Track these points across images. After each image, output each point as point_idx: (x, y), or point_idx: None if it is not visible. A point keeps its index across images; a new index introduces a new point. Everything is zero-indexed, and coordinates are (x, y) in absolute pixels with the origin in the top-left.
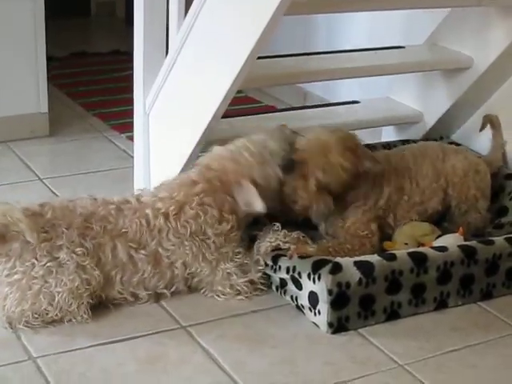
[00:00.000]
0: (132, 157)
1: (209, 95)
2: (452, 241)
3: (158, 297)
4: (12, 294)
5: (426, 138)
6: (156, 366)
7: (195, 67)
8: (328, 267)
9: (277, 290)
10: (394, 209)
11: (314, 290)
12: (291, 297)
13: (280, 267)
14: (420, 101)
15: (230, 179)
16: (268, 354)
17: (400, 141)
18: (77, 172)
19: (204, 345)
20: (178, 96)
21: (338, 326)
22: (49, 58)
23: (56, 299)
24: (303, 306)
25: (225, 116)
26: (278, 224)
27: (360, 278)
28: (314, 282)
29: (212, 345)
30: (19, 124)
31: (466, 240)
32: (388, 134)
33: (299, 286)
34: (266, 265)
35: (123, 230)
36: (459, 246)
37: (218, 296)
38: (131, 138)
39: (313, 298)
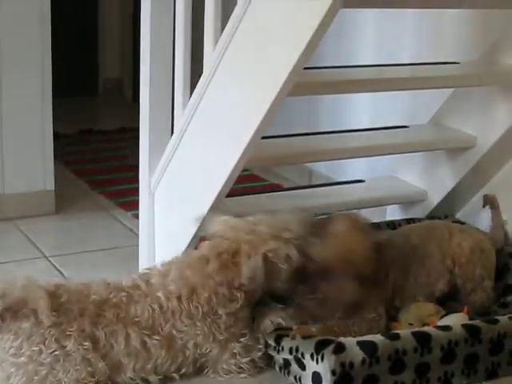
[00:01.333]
0: (138, 235)
1: (214, 174)
2: (457, 320)
3: (167, 381)
4: (18, 377)
5: (431, 216)
6: None
7: (200, 146)
8: (331, 347)
9: (280, 370)
10: (400, 291)
11: (317, 370)
12: (295, 377)
13: (283, 348)
14: (424, 179)
15: (242, 250)
16: None
17: (405, 219)
18: (82, 250)
19: None
20: (183, 175)
21: None
22: (56, 136)
23: None
24: None
25: (230, 195)
26: (280, 305)
27: (363, 358)
28: (317, 362)
29: None
30: (25, 201)
31: (470, 319)
32: (393, 213)
33: (302, 367)
34: (268, 345)
35: (136, 319)
36: (463, 325)
37: (221, 376)
38: (137, 216)
39: (316, 379)
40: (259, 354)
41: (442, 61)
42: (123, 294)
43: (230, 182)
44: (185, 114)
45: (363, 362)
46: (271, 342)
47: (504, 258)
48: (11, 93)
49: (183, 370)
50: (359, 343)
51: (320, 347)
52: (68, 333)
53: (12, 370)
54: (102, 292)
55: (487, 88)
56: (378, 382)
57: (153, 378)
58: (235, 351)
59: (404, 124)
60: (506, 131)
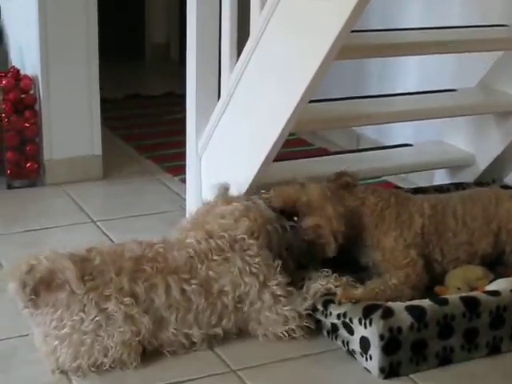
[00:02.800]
0: (185, 199)
1: (261, 138)
2: (505, 285)
3: (210, 339)
4: (65, 349)
5: (479, 180)
6: None
7: (247, 110)
8: (379, 312)
9: (328, 334)
10: (438, 243)
11: (365, 335)
12: (342, 341)
13: (331, 313)
14: (472, 144)
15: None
16: None
17: (452, 184)
18: (130, 215)
19: None
20: (230, 139)
21: (390, 371)
22: (103, 101)
23: (110, 352)
24: (354, 351)
25: (277, 159)
26: (327, 269)
27: (412, 323)
28: (365, 326)
29: None
30: (73, 166)
31: None
32: (440, 177)
33: (351, 332)
34: (317, 309)
35: (174, 265)
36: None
37: (266, 335)
38: (184, 181)
39: (364, 343)
40: (304, 307)
41: (490, 23)
42: (158, 246)
43: (277, 146)
44: (232, 77)
45: (411, 326)
46: (319, 307)
47: None
48: (57, 59)
49: (224, 321)
50: (407, 308)
51: (368, 312)
52: (106, 294)
53: (56, 342)
54: (136, 249)
55: None
56: (427, 346)
57: (196, 333)
58: (274, 298)
59: (452, 87)
60: None
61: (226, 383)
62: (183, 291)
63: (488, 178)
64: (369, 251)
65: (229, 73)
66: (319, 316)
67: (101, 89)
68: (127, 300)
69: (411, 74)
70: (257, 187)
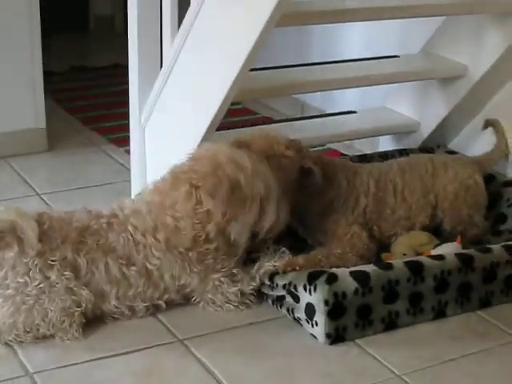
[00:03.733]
0: (130, 170)
1: (203, 107)
2: (450, 250)
3: (155, 308)
4: (5, 308)
5: (423, 146)
6: (153, 380)
7: (189, 79)
8: (323, 278)
9: (273, 303)
10: (376, 221)
11: (310, 301)
12: (287, 309)
13: (277, 284)
14: (416, 110)
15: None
16: (265, 367)
17: (397, 150)
18: (75, 187)
19: (201, 358)
20: (173, 109)
21: (336, 337)
22: (48, 73)
23: (49, 316)
24: (300, 319)
25: (220, 128)
26: (284, 248)
27: (356, 288)
28: (310, 293)
29: (209, 358)
30: (17, 139)
31: (464, 248)
32: (385, 144)
33: (296, 299)
34: (262, 285)
35: (113, 246)
36: (456, 255)
37: (208, 304)
38: (129, 152)
39: (309, 310)
40: (249, 287)
41: None
42: (103, 221)
43: (220, 114)
44: (173, 46)
45: (356, 291)
46: (265, 281)
47: (497, 186)
48: None
49: (166, 297)
50: (352, 273)
51: (312, 278)
52: (51, 262)
53: (0, 300)
54: (84, 219)
55: (477, 16)
56: (372, 311)
57: (139, 306)
58: (217, 283)
59: (395, 54)
60: (497, 60)
61: (173, 352)
62: (122, 272)
63: (432, 144)
64: (313, 232)
65: (170, 42)
66: (265, 290)
67: (45, 61)
68: (68, 274)
69: (355, 40)
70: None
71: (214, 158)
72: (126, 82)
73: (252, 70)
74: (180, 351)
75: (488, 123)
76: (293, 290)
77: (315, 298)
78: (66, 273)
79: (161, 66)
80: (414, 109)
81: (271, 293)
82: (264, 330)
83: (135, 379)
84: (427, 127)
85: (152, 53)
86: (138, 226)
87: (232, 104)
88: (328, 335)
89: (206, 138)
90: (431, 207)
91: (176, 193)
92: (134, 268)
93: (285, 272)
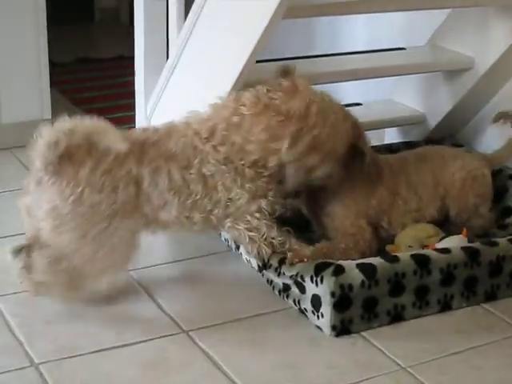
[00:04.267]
0: None
1: (209, 99)
2: (456, 242)
3: (208, 223)
4: (72, 225)
5: (429, 139)
6: (158, 371)
7: (195, 71)
8: (330, 269)
9: (279, 293)
10: (387, 212)
11: (316, 292)
12: (294, 300)
13: (284, 272)
14: (422, 102)
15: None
16: (271, 358)
17: (403, 142)
18: None
19: (206, 349)
20: (179, 100)
21: (342, 329)
22: (53, 64)
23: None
24: (306, 310)
25: None
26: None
27: (362, 280)
28: (316, 284)
29: (214, 349)
30: (22, 130)
31: (470, 241)
32: (391, 136)
33: (302, 290)
34: (270, 266)
35: (173, 151)
36: (462, 248)
37: (235, 227)
38: None
39: (316, 301)
40: (277, 241)
41: None
42: (161, 131)
43: None
44: (179, 38)
45: (362, 284)
46: (274, 263)
47: (503, 179)
48: (5, 21)
49: (216, 211)
50: (358, 265)
51: (319, 269)
52: (117, 179)
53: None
54: (141, 135)
55: (484, 8)
56: (378, 304)
57: (196, 216)
58: (264, 206)
59: (401, 46)
60: (504, 52)
61: (178, 344)
62: (183, 178)
63: (438, 136)
64: (321, 215)
65: (177, 33)
66: (271, 274)
67: (51, 52)
68: (132, 190)
69: (361, 32)
70: None
71: (308, 103)
72: (131, 74)
73: (258, 61)
74: (185, 343)
75: (500, 115)
76: (299, 279)
77: (321, 289)
78: (129, 188)
79: (167, 58)
80: (420, 101)
81: (277, 280)
82: (270, 321)
83: (140, 370)
84: (433, 120)
85: (158, 44)
86: (200, 133)
87: None
88: (334, 327)
89: None
90: (440, 199)
91: (258, 120)
92: (192, 171)
93: (292, 263)
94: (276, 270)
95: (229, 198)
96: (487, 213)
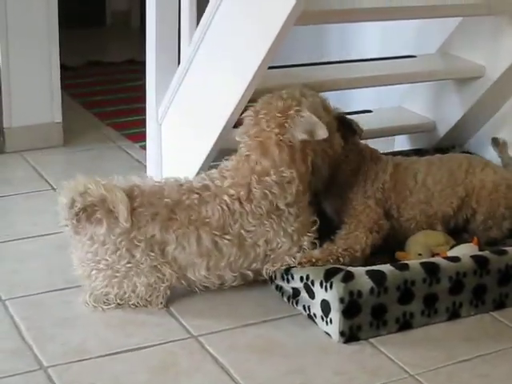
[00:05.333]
0: (145, 166)
1: (220, 105)
2: (466, 251)
3: (241, 279)
4: (99, 279)
5: (439, 146)
6: (167, 376)
7: (206, 77)
8: (340, 275)
9: (288, 300)
10: (395, 200)
11: (326, 298)
12: (303, 306)
13: (293, 276)
14: (432, 110)
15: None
16: (279, 364)
17: (413, 150)
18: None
19: (215, 354)
20: (190, 106)
21: (350, 335)
22: (64, 67)
23: (137, 290)
24: (315, 316)
25: (237, 125)
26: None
27: (372, 287)
28: (326, 290)
29: (223, 354)
30: (33, 134)
31: (480, 250)
32: (401, 143)
33: (312, 295)
34: (275, 276)
35: (207, 219)
36: (472, 256)
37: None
38: (145, 148)
39: (325, 307)
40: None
41: None
42: (195, 196)
43: (237, 112)
44: (191, 43)
45: (372, 291)
46: (281, 272)
47: None
48: (17, 24)
49: (254, 265)
50: (368, 272)
51: (329, 275)
52: (136, 242)
53: (93, 272)
54: (174, 194)
55: (496, 17)
56: (387, 311)
57: (228, 275)
58: (304, 244)
59: (412, 54)
60: None
61: (187, 349)
62: (215, 242)
63: (448, 144)
64: (333, 199)
65: (189, 39)
66: (279, 281)
67: (62, 56)
68: (152, 254)
69: (372, 40)
70: (218, 154)
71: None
72: (142, 78)
73: (270, 67)
74: (194, 347)
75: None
76: (310, 284)
77: (331, 295)
78: (151, 253)
79: (178, 62)
80: (430, 109)
81: (286, 285)
82: (278, 327)
83: (150, 374)
84: (443, 127)
85: (170, 49)
86: (235, 195)
87: (248, 102)
88: (342, 333)
89: (223, 134)
90: (459, 199)
91: (269, 154)
92: (227, 237)
93: (301, 265)
94: (283, 277)
95: (270, 249)
96: (507, 228)
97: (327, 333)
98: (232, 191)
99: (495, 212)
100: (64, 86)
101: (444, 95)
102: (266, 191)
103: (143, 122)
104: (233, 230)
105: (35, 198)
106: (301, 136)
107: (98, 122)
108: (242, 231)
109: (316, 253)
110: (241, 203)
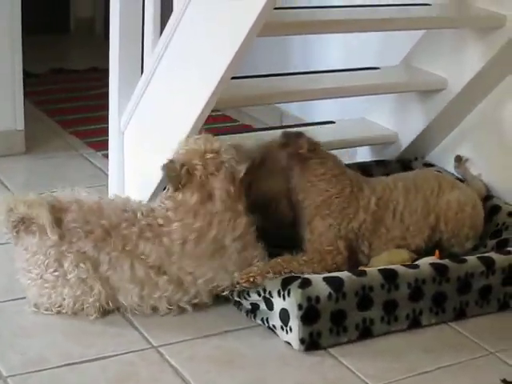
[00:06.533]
0: (107, 175)
1: (183, 114)
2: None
3: (180, 311)
4: (34, 288)
5: (401, 158)
6: None
7: (169, 86)
8: (297, 282)
9: (247, 314)
10: (369, 238)
11: (284, 306)
12: (262, 319)
13: (250, 294)
14: (395, 121)
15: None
16: (239, 375)
17: (375, 161)
18: (52, 190)
19: (175, 365)
20: (153, 115)
21: (310, 343)
22: (27, 74)
23: (66, 301)
24: (275, 327)
25: None
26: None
27: (330, 293)
28: (283, 298)
29: (183, 365)
30: None
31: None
32: (363, 155)
33: (271, 306)
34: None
35: (142, 257)
36: (431, 264)
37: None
38: (107, 156)
39: (284, 315)
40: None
41: (414, 2)
42: (134, 229)
43: (200, 121)
44: (155, 53)
45: (330, 296)
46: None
47: (502, 217)
48: None
49: (196, 301)
50: (325, 278)
51: (286, 283)
52: (66, 254)
53: (28, 282)
54: (114, 218)
55: (458, 30)
56: (346, 317)
57: (163, 307)
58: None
59: (375, 66)
60: (477, 74)
61: (147, 360)
62: (149, 276)
63: (410, 156)
64: (303, 227)
65: (152, 48)
66: (237, 297)
67: (25, 63)
68: (82, 266)
69: (335, 51)
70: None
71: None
72: (105, 86)
73: (233, 78)
74: (154, 358)
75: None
76: (268, 295)
77: (289, 302)
78: (81, 265)
79: (141, 71)
80: (392, 120)
81: (244, 301)
82: (239, 338)
83: None
84: (406, 139)
85: (133, 57)
86: (179, 240)
87: (211, 111)
88: (302, 341)
89: None
90: (430, 228)
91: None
92: (164, 276)
93: (239, 283)
94: (239, 295)
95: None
96: (470, 248)
97: (288, 342)
98: (176, 236)
99: (459, 231)
100: (27, 94)
101: (407, 107)
102: (213, 230)
103: (106, 131)
104: (170, 271)
105: None
106: None
107: (60, 130)
108: (181, 273)
109: (253, 269)
110: (183, 246)
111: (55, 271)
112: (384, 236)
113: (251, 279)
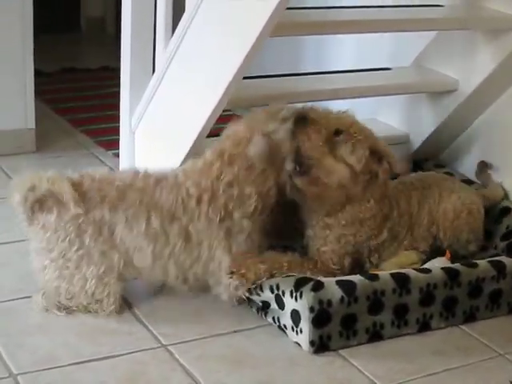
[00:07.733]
0: None
1: (194, 114)
2: (438, 264)
3: (183, 282)
4: (51, 270)
5: (412, 159)
6: None
7: (181, 86)
8: (310, 285)
9: (257, 312)
10: (382, 252)
11: (295, 308)
12: (273, 318)
13: (262, 289)
14: (406, 122)
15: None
16: (248, 375)
17: None
18: None
19: (185, 364)
20: (164, 114)
21: (320, 345)
22: (38, 73)
23: (87, 284)
24: (286, 327)
25: (210, 135)
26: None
27: (342, 297)
28: (296, 299)
29: (193, 364)
30: (6, 139)
31: (452, 263)
32: None
33: (282, 306)
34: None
35: (159, 204)
36: (443, 268)
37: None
38: (118, 155)
39: (295, 317)
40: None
41: (426, 3)
42: (151, 179)
43: (211, 122)
44: (166, 52)
45: (342, 300)
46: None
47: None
48: None
49: (195, 268)
50: (338, 282)
51: (299, 285)
52: (84, 226)
53: (46, 262)
54: (127, 179)
55: (470, 32)
56: (357, 321)
57: (172, 270)
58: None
59: (387, 66)
60: (489, 75)
61: (157, 358)
62: (163, 227)
63: (421, 157)
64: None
65: (164, 47)
66: (248, 294)
67: (36, 62)
68: (101, 238)
69: (347, 52)
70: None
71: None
72: (116, 85)
73: (245, 78)
74: (164, 357)
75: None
76: (280, 294)
77: (300, 304)
78: (99, 237)
79: (153, 70)
80: (403, 121)
81: (256, 298)
82: (249, 337)
83: (118, 383)
84: (417, 140)
85: (144, 56)
86: (194, 195)
87: (222, 110)
88: (312, 343)
89: (196, 144)
90: (432, 237)
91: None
92: (175, 226)
93: (231, 272)
94: (250, 290)
95: (211, 257)
96: (474, 250)
97: (298, 343)
98: (192, 190)
99: (459, 237)
100: (38, 92)
101: (418, 108)
102: (228, 201)
103: (117, 130)
104: (182, 221)
105: (5, 205)
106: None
107: (71, 129)
108: (190, 227)
109: (261, 265)
110: (198, 203)
111: (78, 249)
112: (394, 248)
113: (242, 270)
